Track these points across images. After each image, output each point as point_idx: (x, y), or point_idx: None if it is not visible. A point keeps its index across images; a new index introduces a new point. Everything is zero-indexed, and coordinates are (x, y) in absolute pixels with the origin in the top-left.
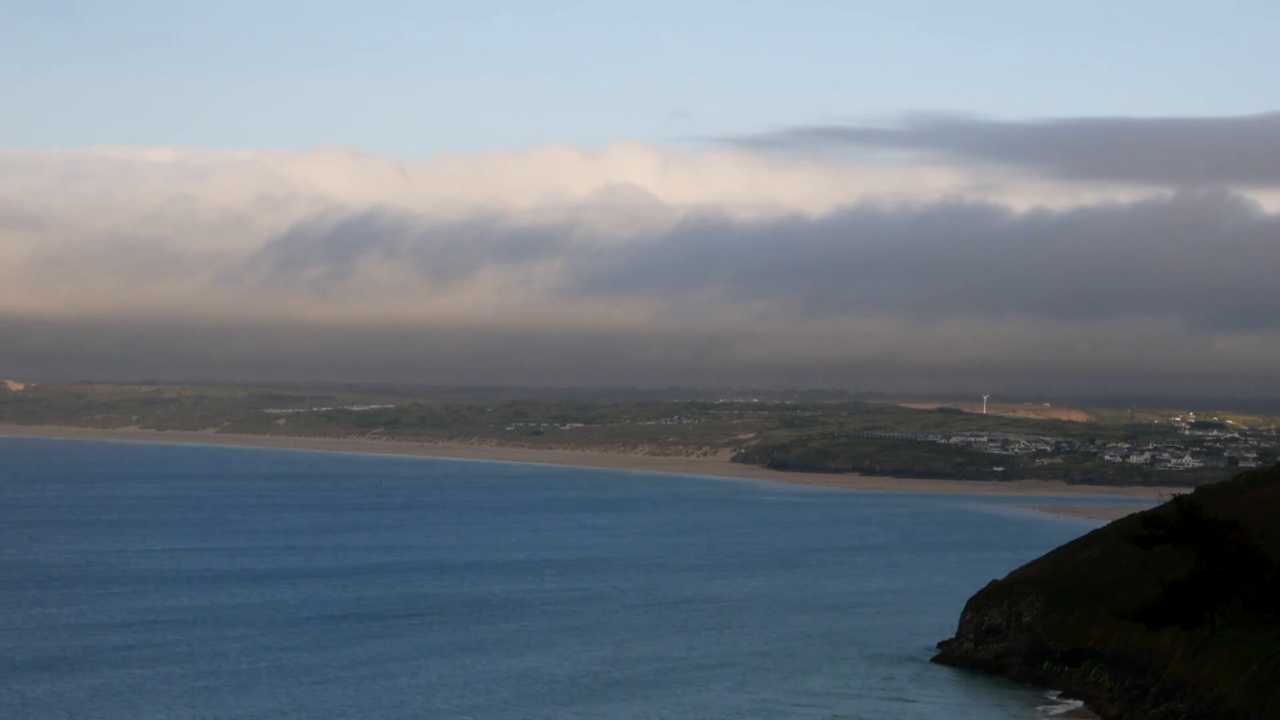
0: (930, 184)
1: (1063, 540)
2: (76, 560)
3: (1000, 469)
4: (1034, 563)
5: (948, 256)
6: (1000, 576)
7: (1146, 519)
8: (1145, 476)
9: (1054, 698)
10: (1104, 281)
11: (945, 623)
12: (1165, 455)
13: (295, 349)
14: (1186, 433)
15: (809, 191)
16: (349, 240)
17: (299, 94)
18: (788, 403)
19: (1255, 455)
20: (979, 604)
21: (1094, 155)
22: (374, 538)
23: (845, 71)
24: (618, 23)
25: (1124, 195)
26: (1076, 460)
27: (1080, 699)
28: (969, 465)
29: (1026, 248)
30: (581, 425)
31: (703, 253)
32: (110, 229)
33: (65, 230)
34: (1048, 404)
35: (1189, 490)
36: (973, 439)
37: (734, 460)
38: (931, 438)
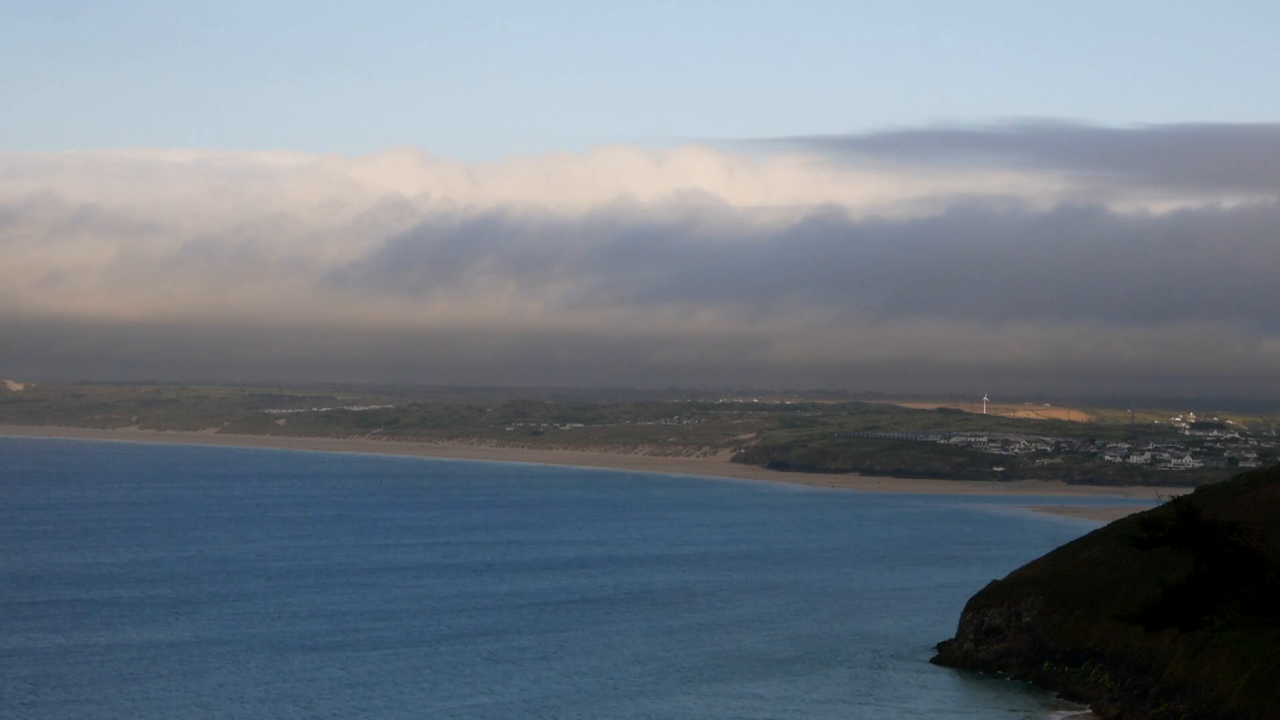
0: (1034, 189)
1: (1063, 540)
2: (285, 553)
3: (1000, 469)
4: (1034, 563)
5: (1043, 259)
6: (1000, 576)
7: (1145, 521)
8: (1145, 477)
9: (1054, 698)
10: (1187, 286)
11: (945, 623)
12: (1165, 455)
13: (379, 352)
14: (1186, 433)
15: (880, 196)
16: (456, 245)
17: (357, 96)
18: (787, 403)
19: (1255, 455)
20: (979, 604)
21: (1199, 161)
22: (532, 534)
23: (952, 77)
24: (673, 25)
25: (1228, 201)
26: (1076, 460)
27: (1080, 699)
28: (969, 465)
29: (1125, 253)
30: (581, 425)
31: (782, 256)
32: (188, 233)
33: (149, 235)
34: (1048, 404)
35: (1189, 490)
36: (973, 439)
37: (734, 460)
38: (931, 438)
